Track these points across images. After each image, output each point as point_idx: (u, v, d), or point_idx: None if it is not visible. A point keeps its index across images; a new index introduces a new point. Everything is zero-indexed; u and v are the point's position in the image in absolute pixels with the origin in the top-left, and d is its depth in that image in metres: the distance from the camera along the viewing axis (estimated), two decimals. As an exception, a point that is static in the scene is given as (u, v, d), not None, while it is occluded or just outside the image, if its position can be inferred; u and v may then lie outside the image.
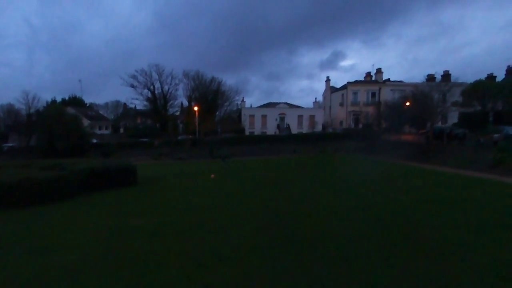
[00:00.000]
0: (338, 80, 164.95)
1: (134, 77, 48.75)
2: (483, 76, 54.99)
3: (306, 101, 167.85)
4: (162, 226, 7.67)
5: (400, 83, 55.20)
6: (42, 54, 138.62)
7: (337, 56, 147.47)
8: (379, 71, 55.53)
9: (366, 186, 12.51)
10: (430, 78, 62.57)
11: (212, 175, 12.04)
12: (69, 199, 11.68)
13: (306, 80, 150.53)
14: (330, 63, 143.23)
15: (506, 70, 62.43)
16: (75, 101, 63.88)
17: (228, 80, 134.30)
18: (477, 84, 34.62)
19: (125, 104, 75.87)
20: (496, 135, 22.50)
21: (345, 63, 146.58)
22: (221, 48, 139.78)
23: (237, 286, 4.31)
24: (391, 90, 52.60)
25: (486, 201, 9.25)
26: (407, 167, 18.50)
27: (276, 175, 16.79)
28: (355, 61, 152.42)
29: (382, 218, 7.75)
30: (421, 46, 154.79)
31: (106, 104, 76.16)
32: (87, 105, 70.91)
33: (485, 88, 33.41)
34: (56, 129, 29.70)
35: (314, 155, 29.83)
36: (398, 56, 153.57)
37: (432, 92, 26.71)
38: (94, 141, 37.24)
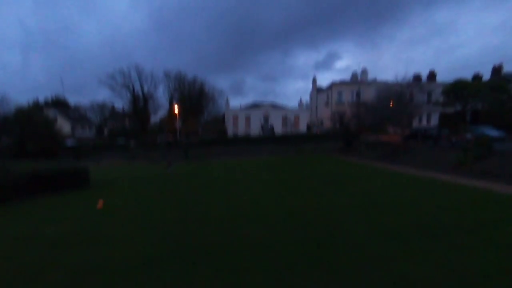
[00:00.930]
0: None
1: (112, 77, 48.07)
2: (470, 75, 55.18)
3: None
4: (71, 235, 7.23)
5: (385, 83, 54.98)
6: (34, 55, 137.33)
7: (332, 57, 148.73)
8: (364, 72, 55.23)
9: (315, 189, 12.05)
10: (417, 77, 62.82)
11: (99, 203, 10.03)
12: (2, 203, 11.13)
13: (301, 81, 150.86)
14: (325, 64, 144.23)
15: (492, 70, 62.60)
16: (58, 102, 62.75)
17: (224, 80, 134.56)
18: (457, 83, 34.35)
19: (113, 106, 74.92)
20: (468, 135, 22.18)
21: (340, 63, 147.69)
22: (217, 49, 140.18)
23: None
24: (376, 90, 52.37)
25: (424, 204, 8.82)
26: (373, 168, 18.07)
27: (230, 178, 16.26)
28: (350, 62, 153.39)
29: (307, 224, 7.30)
30: (413, 46, 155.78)
31: (92, 105, 74.99)
32: (72, 106, 69.78)
33: (464, 87, 33.21)
34: (27, 132, 28.98)
35: (290, 156, 29.33)
36: (392, 56, 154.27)
37: (404, 92, 26.46)
38: (69, 143, 36.50)
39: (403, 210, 8.30)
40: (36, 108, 48.50)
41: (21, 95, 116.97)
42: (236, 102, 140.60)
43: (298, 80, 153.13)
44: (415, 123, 49.72)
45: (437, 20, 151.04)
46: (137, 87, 48.58)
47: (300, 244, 5.93)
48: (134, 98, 47.81)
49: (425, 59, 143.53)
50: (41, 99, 69.03)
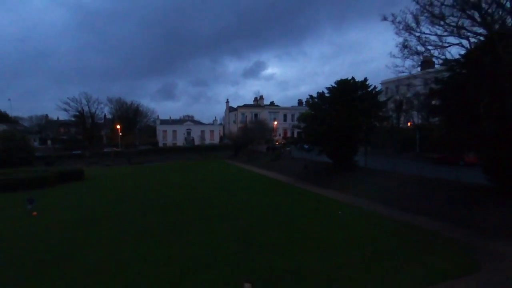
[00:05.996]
0: (264, 89, 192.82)
1: (66, 103, 61.22)
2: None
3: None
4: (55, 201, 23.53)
5: (276, 107, 76.80)
6: None
7: (259, 66, 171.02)
8: (261, 97, 76.29)
9: (186, 175, 29.62)
10: (300, 102, 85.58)
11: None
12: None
13: (231, 86, 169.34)
14: (253, 71, 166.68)
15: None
16: (5, 117, 70.26)
17: (155, 84, 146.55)
18: (303, 113, 56.26)
19: (46, 115, 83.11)
20: (288, 148, 42.48)
21: (265, 72, 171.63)
22: (148, 53, 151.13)
23: None
24: (269, 112, 73.47)
25: (219, 178, 27.06)
26: (230, 165, 36.65)
27: (147, 171, 33.17)
28: (275, 70, 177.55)
29: (171, 186, 24.78)
30: (328, 62, 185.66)
31: (31, 117, 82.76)
32: (12, 118, 76.77)
33: (306, 115, 55.16)
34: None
35: (197, 160, 47.06)
36: (309, 70, 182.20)
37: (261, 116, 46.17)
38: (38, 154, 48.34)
39: (209, 182, 26.37)
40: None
41: None
42: (168, 106, 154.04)
43: (228, 85, 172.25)
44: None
45: (347, 40, 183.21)
46: (86, 110, 62.43)
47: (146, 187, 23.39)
48: (84, 118, 60.98)
49: (338, 73, 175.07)
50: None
